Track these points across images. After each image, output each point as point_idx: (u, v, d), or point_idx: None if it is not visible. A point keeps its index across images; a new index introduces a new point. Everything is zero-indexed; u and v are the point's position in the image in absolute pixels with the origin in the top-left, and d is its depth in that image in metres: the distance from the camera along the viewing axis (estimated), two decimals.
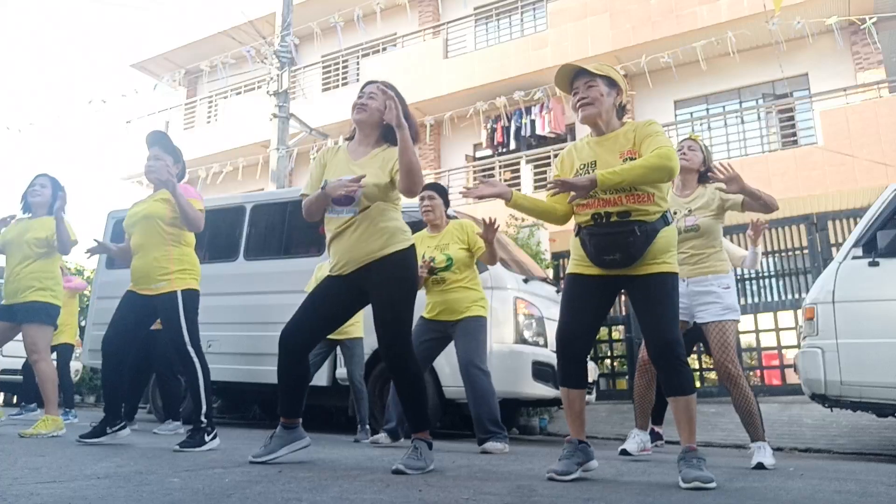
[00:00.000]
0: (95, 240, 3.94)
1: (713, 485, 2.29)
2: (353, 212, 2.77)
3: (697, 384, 8.76)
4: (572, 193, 2.50)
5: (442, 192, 4.36)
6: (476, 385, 4.02)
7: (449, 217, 4.43)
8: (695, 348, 5.07)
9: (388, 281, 2.74)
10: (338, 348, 5.18)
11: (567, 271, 2.69)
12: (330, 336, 4.81)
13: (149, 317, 3.72)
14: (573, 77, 2.70)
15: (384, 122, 2.81)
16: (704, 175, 3.73)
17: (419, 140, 3.02)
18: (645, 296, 2.52)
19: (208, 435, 3.41)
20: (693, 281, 3.59)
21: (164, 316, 3.61)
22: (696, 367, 8.91)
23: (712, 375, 8.29)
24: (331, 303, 2.87)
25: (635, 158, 2.50)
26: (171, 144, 3.85)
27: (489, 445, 3.90)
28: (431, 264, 4.10)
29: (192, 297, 3.69)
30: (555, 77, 2.75)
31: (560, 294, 6.21)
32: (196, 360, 3.52)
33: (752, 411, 3.47)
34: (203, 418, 3.44)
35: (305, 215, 2.89)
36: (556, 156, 11.18)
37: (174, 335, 3.56)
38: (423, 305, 4.15)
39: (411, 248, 2.84)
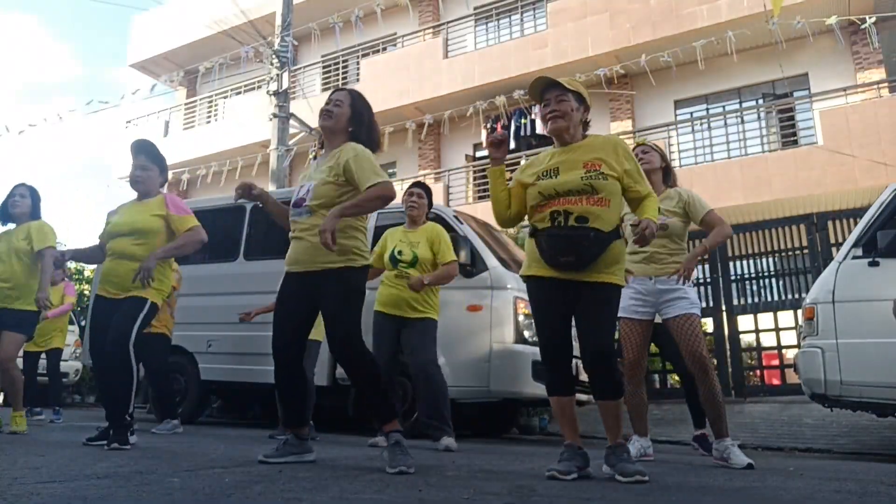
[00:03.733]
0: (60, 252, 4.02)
1: (646, 478, 2.42)
2: (308, 212, 2.87)
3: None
4: (537, 195, 2.63)
5: (428, 192, 4.55)
6: (435, 381, 4.19)
7: (429, 218, 4.57)
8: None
9: (337, 294, 2.83)
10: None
11: (522, 273, 2.76)
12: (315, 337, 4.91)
13: None
14: (544, 88, 2.76)
15: (349, 129, 2.97)
16: (667, 173, 3.88)
17: (379, 149, 3.09)
18: (590, 303, 2.61)
19: (131, 433, 3.47)
20: (659, 280, 3.63)
21: (123, 313, 3.53)
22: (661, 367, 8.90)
23: None
24: (296, 304, 2.94)
25: (598, 169, 2.60)
26: (158, 153, 3.84)
27: (449, 442, 4.03)
28: (398, 256, 4.25)
29: (153, 312, 3.66)
30: (529, 87, 2.82)
31: None
32: (133, 363, 3.49)
33: (720, 403, 3.52)
34: (128, 416, 3.49)
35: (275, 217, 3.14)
36: None
37: (121, 335, 3.47)
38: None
39: (363, 269, 2.91)
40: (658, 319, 3.68)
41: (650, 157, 3.82)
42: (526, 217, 2.80)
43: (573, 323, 2.69)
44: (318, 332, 5.00)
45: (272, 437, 4.79)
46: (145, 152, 3.77)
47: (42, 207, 4.61)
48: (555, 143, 2.80)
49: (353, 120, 2.99)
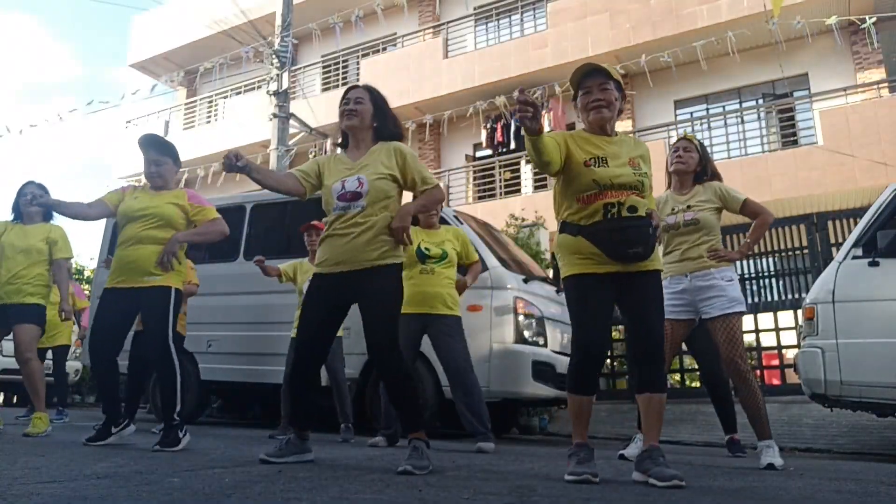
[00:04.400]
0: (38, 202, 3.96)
1: (684, 483, 2.33)
2: (361, 207, 2.82)
3: (697, 384, 8.76)
4: (591, 182, 2.53)
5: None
6: (471, 384, 4.16)
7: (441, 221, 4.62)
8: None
9: (384, 290, 2.81)
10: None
11: (569, 273, 2.60)
12: None
13: (133, 313, 3.63)
14: (585, 75, 2.68)
15: (374, 124, 2.97)
16: (700, 176, 3.78)
17: (403, 139, 3.10)
18: (643, 293, 2.56)
19: (181, 432, 3.42)
20: (696, 276, 3.59)
21: (152, 310, 3.51)
22: (679, 367, 8.89)
23: None
24: (325, 307, 2.90)
25: (639, 168, 2.60)
26: (167, 144, 3.83)
27: (484, 445, 4.00)
28: (425, 252, 4.24)
29: (179, 298, 3.64)
30: (573, 73, 2.72)
31: (560, 294, 6.22)
32: (175, 360, 3.48)
33: (760, 408, 3.47)
34: (176, 416, 3.44)
35: (264, 186, 2.97)
36: None
37: (159, 330, 3.48)
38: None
39: (402, 265, 2.92)
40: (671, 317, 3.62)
41: (688, 158, 3.75)
42: (564, 211, 2.63)
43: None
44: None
45: (272, 436, 4.79)
46: (154, 146, 3.75)
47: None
48: (587, 129, 2.69)
49: (376, 115, 3.00)
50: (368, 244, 2.79)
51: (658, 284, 2.62)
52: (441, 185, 2.91)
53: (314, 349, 2.93)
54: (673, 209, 3.73)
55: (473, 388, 4.18)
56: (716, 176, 3.84)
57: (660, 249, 2.70)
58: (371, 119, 2.98)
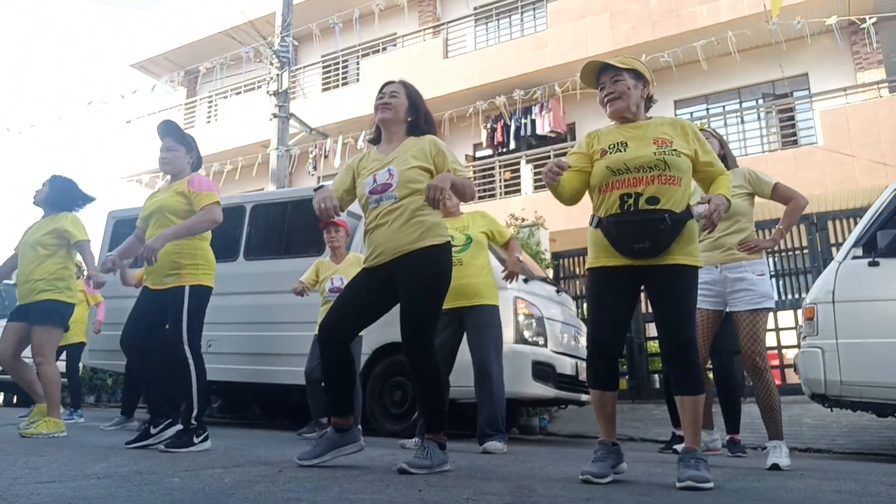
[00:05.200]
0: (110, 259, 3.70)
1: (709, 485, 2.26)
2: (393, 198, 2.77)
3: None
4: (604, 170, 2.50)
5: None
6: (491, 381, 3.99)
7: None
8: None
9: (419, 276, 2.72)
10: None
11: (589, 266, 2.61)
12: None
13: (163, 312, 3.55)
14: (599, 72, 2.66)
15: (408, 119, 2.93)
16: (724, 159, 3.76)
17: (437, 133, 3.07)
18: (668, 288, 2.48)
19: (198, 437, 3.32)
20: (727, 267, 3.56)
21: (170, 312, 3.48)
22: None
23: (710, 375, 8.27)
24: (366, 294, 2.82)
25: (670, 146, 2.50)
26: (183, 133, 3.82)
27: (490, 445, 3.87)
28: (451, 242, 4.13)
29: (201, 293, 3.52)
30: (580, 74, 2.70)
31: (561, 294, 6.22)
32: (191, 360, 3.40)
33: (775, 407, 3.47)
34: (193, 420, 3.35)
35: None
36: (556, 156, 11.19)
37: (172, 332, 3.43)
38: None
39: (447, 245, 2.81)
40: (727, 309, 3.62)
41: (709, 144, 3.79)
42: (594, 205, 2.63)
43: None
44: None
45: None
46: (171, 133, 3.74)
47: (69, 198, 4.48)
48: (616, 125, 2.67)
49: (410, 110, 2.95)
50: (401, 229, 2.73)
51: (684, 280, 2.47)
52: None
53: (339, 334, 2.78)
54: (702, 198, 3.73)
55: (491, 384, 3.99)
56: (734, 164, 3.88)
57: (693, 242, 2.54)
58: (406, 113, 2.93)
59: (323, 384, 2.83)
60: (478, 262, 4.12)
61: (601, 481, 2.36)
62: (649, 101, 2.69)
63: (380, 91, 2.99)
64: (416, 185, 2.77)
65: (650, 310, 2.70)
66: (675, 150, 2.50)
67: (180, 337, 3.41)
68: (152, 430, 3.52)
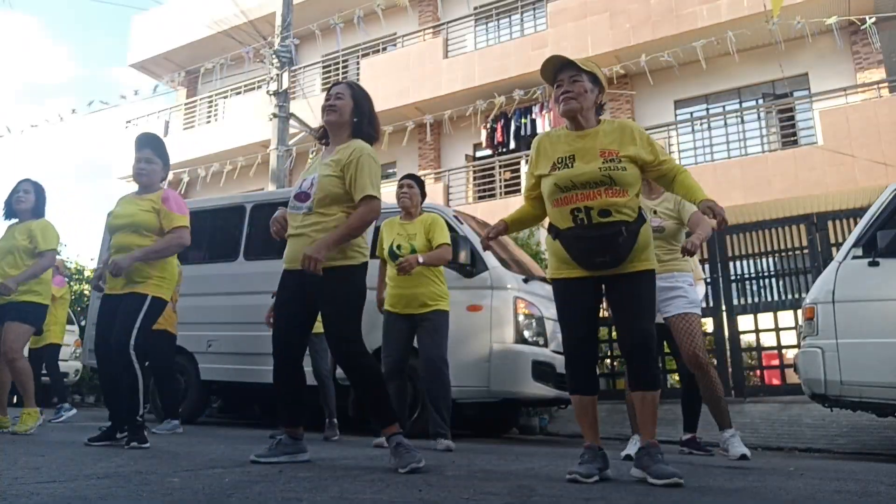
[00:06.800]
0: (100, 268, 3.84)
1: (683, 480, 2.33)
2: (308, 208, 2.85)
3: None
4: (552, 186, 2.56)
5: (420, 183, 4.51)
6: (440, 379, 4.15)
7: (424, 210, 4.54)
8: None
9: (333, 294, 2.81)
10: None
11: (551, 276, 2.69)
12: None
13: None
14: (558, 69, 2.66)
15: (353, 120, 2.96)
16: None
17: (377, 141, 3.09)
18: (628, 292, 2.55)
19: (140, 438, 3.44)
20: (661, 277, 3.65)
21: (123, 313, 3.51)
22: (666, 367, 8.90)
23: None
24: (298, 296, 2.91)
25: (616, 158, 2.52)
26: (164, 148, 3.85)
27: (448, 443, 4.01)
28: (396, 251, 4.19)
29: (158, 306, 3.64)
30: (541, 67, 2.70)
31: None
32: (136, 365, 3.46)
33: (720, 398, 3.62)
34: (139, 418, 3.47)
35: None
36: None
37: (122, 334, 3.46)
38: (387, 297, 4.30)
39: (362, 266, 2.89)
40: (659, 319, 3.71)
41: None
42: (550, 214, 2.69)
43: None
44: (320, 324, 5.02)
45: (273, 436, 4.78)
46: (151, 146, 3.76)
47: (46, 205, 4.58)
48: (567, 125, 2.70)
49: (355, 111, 2.98)
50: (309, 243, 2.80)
51: (645, 282, 2.55)
52: (379, 202, 2.84)
53: (290, 350, 2.94)
54: (690, 218, 3.85)
55: (439, 384, 4.14)
56: None
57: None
58: (350, 115, 2.96)
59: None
60: (425, 270, 4.17)
61: (588, 481, 2.38)
62: (600, 108, 2.71)
63: (328, 92, 3.04)
64: (332, 195, 2.82)
65: None
66: (620, 161, 2.52)
67: (128, 340, 3.46)
68: (117, 435, 3.59)
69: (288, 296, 2.95)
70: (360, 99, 3.02)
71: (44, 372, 6.73)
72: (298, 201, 2.89)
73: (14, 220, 4.49)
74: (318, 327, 4.98)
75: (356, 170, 2.82)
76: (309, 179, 2.91)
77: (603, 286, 2.61)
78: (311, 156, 13.29)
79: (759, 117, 11.07)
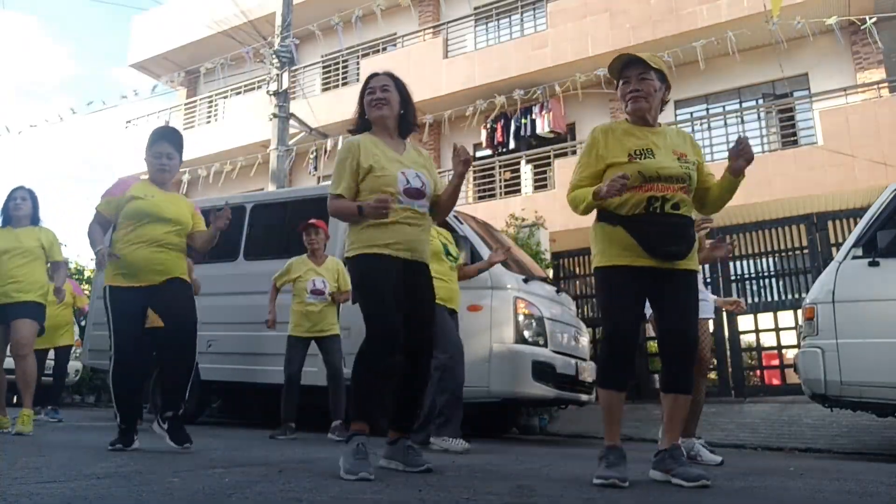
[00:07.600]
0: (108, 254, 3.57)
1: (710, 483, 2.33)
2: (425, 207, 2.84)
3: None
4: (636, 174, 2.46)
5: None
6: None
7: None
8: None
9: (429, 285, 2.85)
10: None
11: (606, 263, 2.55)
12: (306, 335, 4.94)
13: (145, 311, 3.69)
14: (624, 65, 2.63)
15: (401, 111, 2.91)
16: None
17: (418, 130, 3.10)
18: (677, 291, 2.53)
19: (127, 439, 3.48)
20: None
21: (183, 298, 3.66)
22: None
23: (711, 375, 8.28)
24: (402, 288, 2.73)
25: (687, 160, 2.57)
26: (182, 144, 3.79)
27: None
28: (451, 252, 4.49)
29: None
30: (609, 64, 2.68)
31: (560, 294, 6.21)
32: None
33: (699, 405, 3.69)
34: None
35: (334, 215, 2.88)
36: (556, 156, 11.20)
37: (192, 313, 3.77)
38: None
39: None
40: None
41: None
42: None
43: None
44: (336, 326, 5.11)
45: (273, 437, 4.78)
46: (171, 141, 3.70)
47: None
48: (629, 119, 2.66)
49: (402, 102, 2.92)
50: (423, 239, 2.85)
51: (693, 285, 2.58)
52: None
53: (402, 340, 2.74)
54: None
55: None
56: None
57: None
58: (399, 107, 2.90)
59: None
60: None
61: (624, 485, 2.30)
62: (663, 105, 2.68)
63: (367, 85, 2.91)
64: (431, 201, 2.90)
65: (649, 310, 2.72)
66: (692, 165, 2.59)
67: (196, 318, 3.79)
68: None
69: (397, 283, 2.72)
70: (403, 89, 2.94)
71: (46, 373, 6.75)
72: (411, 197, 2.74)
73: (7, 226, 4.62)
74: (335, 329, 5.13)
75: (436, 177, 2.94)
76: (414, 176, 2.77)
77: (655, 283, 2.54)
78: (311, 155, 13.30)
79: (759, 117, 11.07)
